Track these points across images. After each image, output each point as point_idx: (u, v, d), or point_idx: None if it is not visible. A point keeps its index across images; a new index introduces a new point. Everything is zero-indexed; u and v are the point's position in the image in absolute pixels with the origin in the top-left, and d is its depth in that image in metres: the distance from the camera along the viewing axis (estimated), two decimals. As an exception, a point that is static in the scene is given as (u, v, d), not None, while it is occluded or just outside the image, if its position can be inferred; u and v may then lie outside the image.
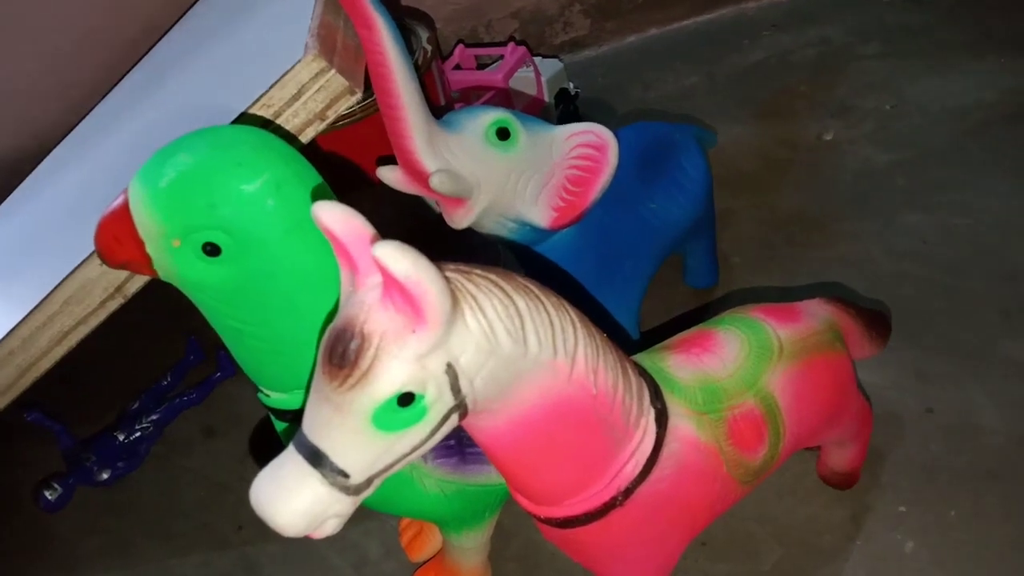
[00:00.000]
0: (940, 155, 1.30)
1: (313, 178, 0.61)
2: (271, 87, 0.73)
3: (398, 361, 0.45)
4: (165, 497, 1.13)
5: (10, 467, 1.22)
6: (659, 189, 0.98)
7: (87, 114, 1.09)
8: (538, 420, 0.54)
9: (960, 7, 1.61)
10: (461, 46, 1.52)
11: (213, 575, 1.02)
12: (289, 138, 0.75)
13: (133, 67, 1.10)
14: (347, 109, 0.79)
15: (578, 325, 0.55)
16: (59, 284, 0.82)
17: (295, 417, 0.66)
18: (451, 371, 0.47)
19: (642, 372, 0.63)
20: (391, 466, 0.49)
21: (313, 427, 0.48)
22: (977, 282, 1.10)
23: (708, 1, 1.77)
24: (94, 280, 0.81)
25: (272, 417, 0.70)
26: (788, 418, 0.69)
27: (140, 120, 0.93)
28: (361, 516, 0.54)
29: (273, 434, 0.73)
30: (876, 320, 0.84)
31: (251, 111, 0.74)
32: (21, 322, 0.83)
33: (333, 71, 0.75)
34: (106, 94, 1.10)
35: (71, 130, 1.10)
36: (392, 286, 0.45)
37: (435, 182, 0.78)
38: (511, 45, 1.47)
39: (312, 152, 0.86)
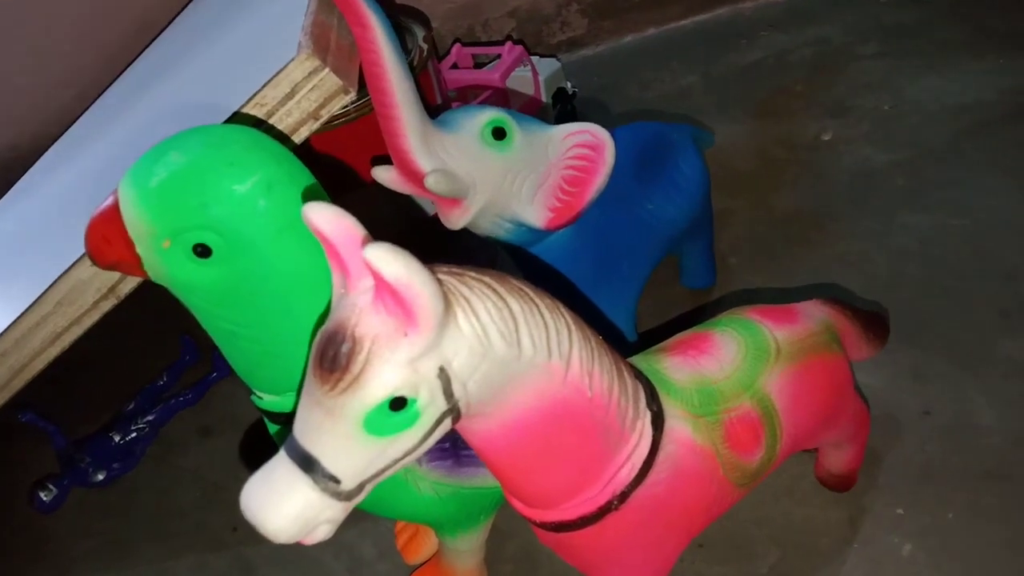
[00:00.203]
0: (938, 155, 1.30)
1: (306, 178, 0.60)
2: (264, 86, 0.72)
3: (390, 365, 0.45)
4: (161, 498, 1.13)
5: (5, 468, 1.21)
6: (656, 189, 0.97)
7: (81, 114, 1.08)
8: (533, 423, 0.54)
9: (958, 6, 1.61)
10: (458, 45, 1.51)
11: (208, 577, 1.01)
12: (282, 138, 0.75)
13: (127, 67, 1.10)
14: (341, 108, 0.78)
15: (573, 327, 0.55)
16: (52, 284, 0.81)
17: (288, 419, 0.65)
18: (444, 375, 0.47)
19: (638, 374, 0.63)
20: (383, 471, 0.49)
21: (304, 432, 0.47)
22: (975, 282, 1.09)
23: (705, 0, 1.77)
24: (87, 280, 0.81)
25: (265, 419, 0.70)
26: (785, 420, 0.69)
27: (134, 119, 0.92)
28: (356, 518, 0.53)
29: (269, 434, 0.72)
30: (874, 321, 0.84)
31: (244, 110, 0.73)
32: (14, 323, 0.83)
33: (327, 70, 0.74)
34: (100, 93, 1.10)
35: (65, 130, 1.09)
36: (384, 289, 0.44)
37: (430, 182, 0.77)
38: (508, 44, 1.46)
39: (306, 151, 0.86)
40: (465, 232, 0.85)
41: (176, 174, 0.54)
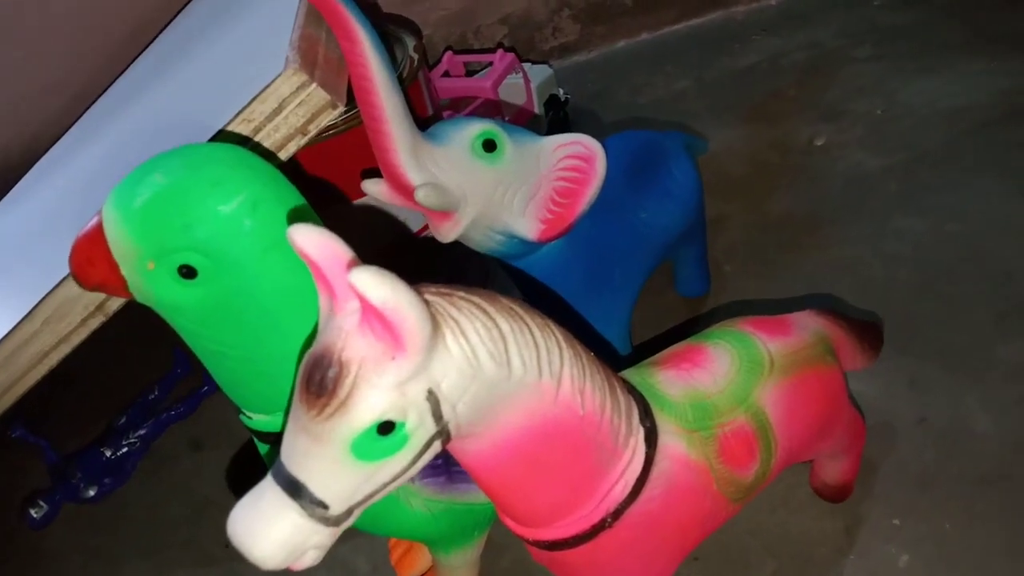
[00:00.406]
0: (932, 158, 1.30)
1: (292, 195, 0.59)
2: (251, 101, 0.72)
3: (377, 389, 0.44)
4: (151, 512, 1.12)
5: (-5, 483, 1.21)
6: (649, 197, 0.97)
7: (67, 129, 1.08)
8: (524, 443, 0.53)
9: (952, 7, 1.61)
10: (449, 53, 1.51)
11: (200, 593, 1.01)
12: (269, 154, 0.74)
13: (112, 82, 1.09)
14: (330, 122, 0.78)
15: (564, 345, 0.54)
16: (39, 302, 0.80)
17: (278, 439, 0.65)
18: (432, 397, 0.46)
19: (631, 389, 0.62)
20: (372, 495, 0.48)
21: (291, 457, 0.47)
22: (970, 286, 1.09)
23: (698, 5, 1.77)
24: (75, 298, 0.80)
25: (255, 439, 0.69)
26: (779, 434, 0.68)
27: (120, 136, 0.92)
28: (349, 533, 0.53)
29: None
30: (868, 331, 0.83)
31: (231, 126, 0.73)
32: (0, 342, 0.82)
33: (314, 85, 0.73)
34: (86, 108, 1.09)
35: (53, 140, 1.08)
36: (370, 313, 0.43)
37: (420, 196, 0.77)
38: (500, 52, 1.46)
39: (293, 164, 0.85)
40: (457, 243, 0.84)
41: (160, 195, 0.54)
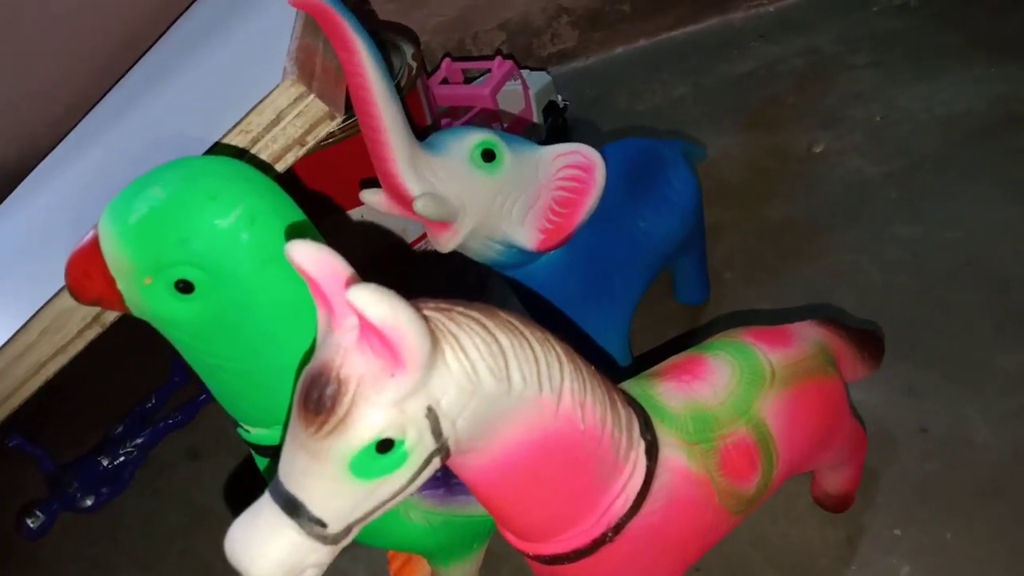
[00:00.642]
0: (931, 165, 1.29)
1: (290, 208, 0.59)
2: (249, 113, 0.71)
3: (376, 407, 0.44)
4: (149, 522, 1.11)
5: (-8, 493, 1.20)
6: (648, 205, 0.96)
7: (61, 140, 1.07)
8: (524, 457, 0.53)
9: (949, 14, 1.61)
10: (448, 60, 1.51)
11: (198, 604, 1.00)
12: (266, 166, 0.74)
13: (108, 90, 1.09)
14: (327, 131, 0.77)
15: (564, 359, 0.54)
16: (36, 313, 0.80)
17: (276, 453, 0.64)
18: (432, 414, 0.46)
19: (631, 402, 0.62)
20: (371, 513, 0.48)
21: (289, 474, 0.46)
22: (969, 294, 1.09)
23: (696, 11, 1.77)
24: (71, 309, 0.79)
25: (253, 452, 0.69)
26: (781, 445, 0.68)
27: (116, 146, 0.91)
28: (348, 544, 0.52)
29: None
30: (869, 341, 0.83)
31: (228, 137, 0.72)
32: (-3, 352, 0.81)
33: (312, 96, 0.73)
34: (82, 117, 1.08)
35: (48, 151, 1.08)
36: (369, 330, 0.43)
37: (419, 206, 0.77)
38: (498, 59, 1.45)
39: (290, 175, 0.84)
40: (454, 252, 0.84)
41: (156, 210, 0.53)
